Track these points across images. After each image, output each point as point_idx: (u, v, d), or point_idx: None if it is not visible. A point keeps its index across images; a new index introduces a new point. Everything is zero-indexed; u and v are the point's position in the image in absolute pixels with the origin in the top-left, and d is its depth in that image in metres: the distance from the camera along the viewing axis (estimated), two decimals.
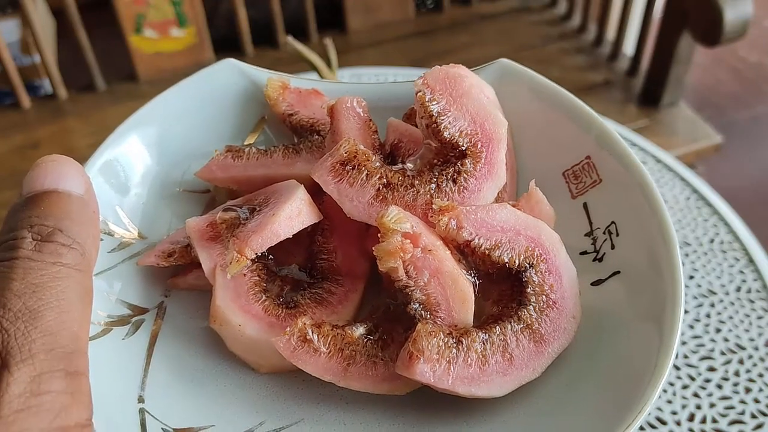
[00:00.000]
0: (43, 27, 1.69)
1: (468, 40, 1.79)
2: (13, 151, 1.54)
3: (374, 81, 1.27)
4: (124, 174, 0.54)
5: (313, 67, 1.11)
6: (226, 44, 1.76)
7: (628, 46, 1.76)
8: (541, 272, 0.47)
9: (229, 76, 0.59)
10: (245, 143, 0.59)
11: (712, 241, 1.00)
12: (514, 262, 0.47)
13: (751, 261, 0.97)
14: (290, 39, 1.66)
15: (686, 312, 0.90)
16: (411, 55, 1.75)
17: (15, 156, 1.51)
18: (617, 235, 0.50)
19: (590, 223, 0.52)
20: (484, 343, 0.45)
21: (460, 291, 0.46)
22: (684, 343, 0.87)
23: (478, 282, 0.48)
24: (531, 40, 1.79)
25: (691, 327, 0.89)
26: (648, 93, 1.64)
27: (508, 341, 0.46)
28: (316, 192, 0.50)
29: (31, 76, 1.70)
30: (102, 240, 0.50)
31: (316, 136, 0.56)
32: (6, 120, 1.61)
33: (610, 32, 1.78)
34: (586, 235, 0.52)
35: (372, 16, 1.86)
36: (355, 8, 1.83)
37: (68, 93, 1.67)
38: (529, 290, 0.47)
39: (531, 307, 0.47)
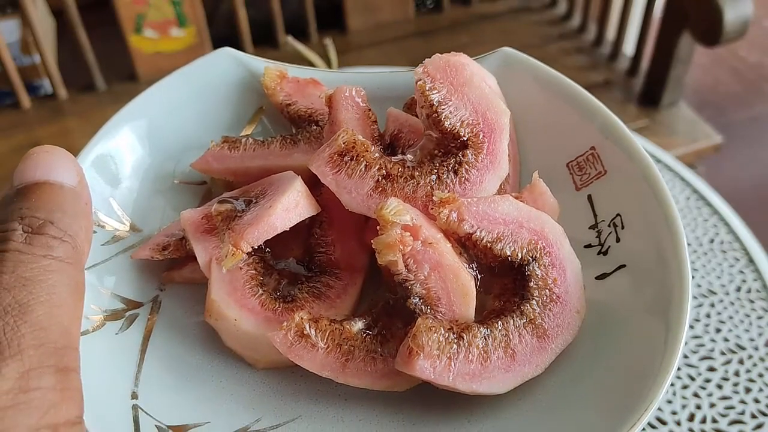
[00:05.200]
0: (43, 27, 1.68)
1: (468, 40, 1.79)
2: (13, 151, 1.53)
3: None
4: (118, 165, 0.53)
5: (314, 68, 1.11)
6: (226, 44, 1.74)
7: (628, 46, 1.76)
8: (544, 266, 0.47)
9: (225, 66, 0.58)
10: (242, 134, 0.58)
11: (712, 241, 0.99)
12: (517, 255, 0.46)
13: (751, 261, 0.96)
14: (290, 39, 1.66)
15: None
16: (411, 55, 1.74)
17: (15, 156, 1.50)
18: (622, 227, 0.49)
19: (595, 215, 0.51)
20: (485, 339, 0.44)
21: (461, 285, 0.45)
22: (684, 343, 0.86)
23: (479, 276, 0.47)
24: (531, 40, 1.78)
25: (691, 327, 0.88)
26: (648, 93, 1.63)
27: (511, 336, 0.45)
28: (314, 183, 0.49)
29: (31, 76, 1.69)
30: (95, 233, 0.49)
31: (315, 127, 0.55)
32: (6, 120, 1.60)
33: (610, 32, 1.77)
34: (590, 227, 0.51)
35: (372, 16, 1.85)
36: (355, 8, 1.83)
37: (68, 93, 1.66)
38: (531, 284, 0.46)
39: (534, 302, 0.46)
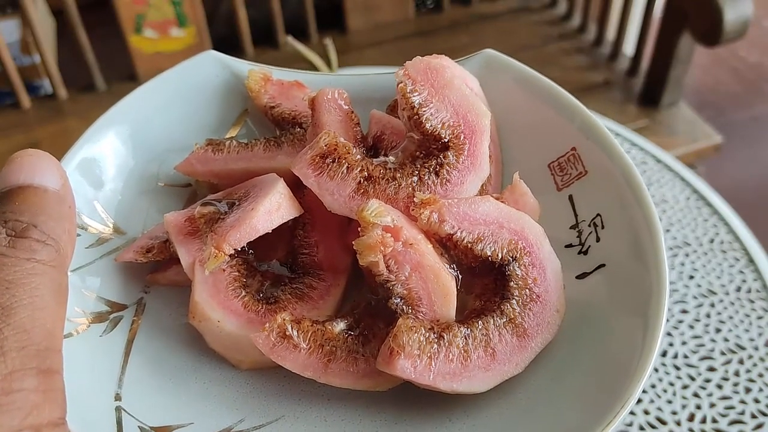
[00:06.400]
0: (43, 27, 1.69)
1: (468, 40, 1.79)
2: (13, 151, 1.52)
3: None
4: (103, 168, 0.53)
5: (314, 67, 1.11)
6: (226, 44, 1.76)
7: (628, 46, 1.75)
8: (524, 265, 0.47)
9: (210, 69, 0.58)
10: (227, 136, 0.58)
11: (712, 241, 0.99)
12: (497, 255, 0.46)
13: (751, 261, 0.95)
14: (290, 39, 1.66)
15: (686, 312, 0.89)
16: (411, 55, 1.72)
17: None
18: (602, 227, 0.49)
19: (575, 215, 0.51)
20: (466, 338, 0.44)
21: (442, 285, 0.45)
22: (684, 343, 0.86)
23: (460, 276, 0.47)
24: (531, 40, 1.78)
25: (691, 327, 0.88)
26: (648, 93, 1.63)
27: (491, 336, 0.45)
28: (297, 186, 0.50)
29: (31, 76, 1.69)
30: (79, 235, 0.49)
31: (298, 129, 0.55)
32: (6, 120, 1.61)
33: (610, 32, 1.77)
34: (571, 227, 0.51)
35: (372, 16, 1.85)
36: (355, 8, 1.83)
37: (68, 93, 1.66)
38: (512, 284, 0.46)
39: (514, 301, 0.46)
